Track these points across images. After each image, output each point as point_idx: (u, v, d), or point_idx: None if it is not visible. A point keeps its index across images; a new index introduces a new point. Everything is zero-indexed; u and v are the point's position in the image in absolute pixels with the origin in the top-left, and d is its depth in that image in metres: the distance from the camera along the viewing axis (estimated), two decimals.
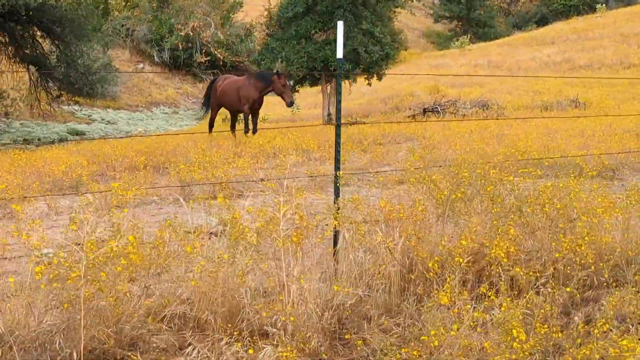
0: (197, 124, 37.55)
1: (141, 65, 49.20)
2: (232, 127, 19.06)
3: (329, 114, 23.99)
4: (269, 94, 17.99)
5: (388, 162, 14.42)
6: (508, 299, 5.24)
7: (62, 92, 28.54)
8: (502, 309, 5.03)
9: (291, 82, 23.66)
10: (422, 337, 4.93)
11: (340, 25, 7.11)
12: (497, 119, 21.52)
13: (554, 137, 16.85)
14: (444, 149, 14.90)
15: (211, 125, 19.35)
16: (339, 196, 6.49)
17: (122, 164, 14.48)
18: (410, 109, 27.32)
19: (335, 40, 23.54)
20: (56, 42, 28.20)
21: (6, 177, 12.67)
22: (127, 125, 37.94)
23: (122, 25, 48.95)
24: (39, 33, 28.23)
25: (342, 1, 23.49)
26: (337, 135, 6.68)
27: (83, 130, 32.96)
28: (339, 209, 6.20)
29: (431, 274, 5.74)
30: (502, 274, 5.74)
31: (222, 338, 5.13)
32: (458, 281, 5.61)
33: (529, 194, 6.91)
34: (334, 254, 6.28)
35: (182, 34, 48.08)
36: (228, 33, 49.24)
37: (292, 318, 5.17)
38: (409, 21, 66.57)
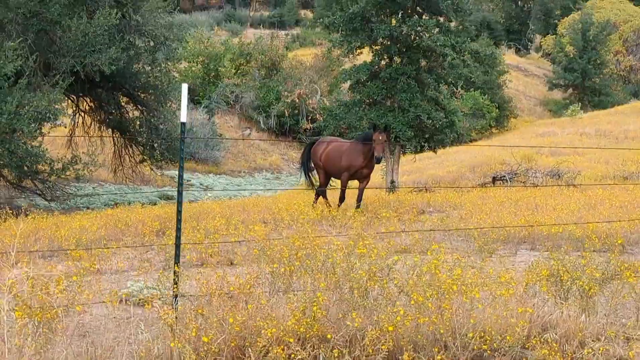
0: (292, 188, 37.68)
1: (248, 131, 50.11)
2: (321, 195, 17.29)
3: (392, 181, 23.46)
4: None
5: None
6: None
7: (145, 157, 29.20)
8: None
9: None
10: None
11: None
12: (548, 187, 20.50)
13: (596, 208, 15.79)
14: (456, 219, 14.19)
15: (323, 193, 17.30)
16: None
17: (136, 229, 14.44)
18: (483, 177, 26.45)
19: (400, 107, 23.28)
20: (140, 107, 29.06)
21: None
22: (222, 190, 38.50)
23: (232, 92, 50.08)
24: (124, 99, 29.21)
25: (405, 68, 23.13)
26: (178, 211, 6.14)
27: (173, 195, 33.55)
28: None
29: None
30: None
31: None
32: None
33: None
34: None
35: (289, 100, 48.77)
36: (334, 100, 49.55)
37: None
38: (526, 89, 65.33)
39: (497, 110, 49.45)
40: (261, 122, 50.03)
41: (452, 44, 22.78)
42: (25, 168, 23.08)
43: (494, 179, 24.63)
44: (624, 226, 13.09)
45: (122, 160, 29.55)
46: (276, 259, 6.13)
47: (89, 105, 29.74)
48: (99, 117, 29.36)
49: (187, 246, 11.24)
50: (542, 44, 79.69)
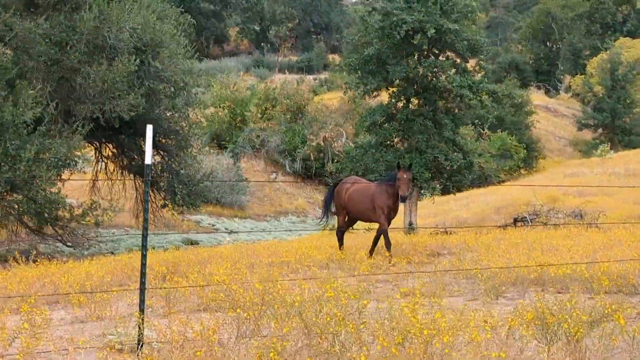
0: (317, 232, 37.50)
1: (274, 175, 50.17)
2: (341, 237, 17.01)
3: (411, 223, 23.21)
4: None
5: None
6: None
7: (167, 202, 29.22)
8: None
9: None
10: None
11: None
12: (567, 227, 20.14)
13: (612, 249, 15.44)
14: (469, 261, 13.94)
15: (341, 237, 17.07)
16: None
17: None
18: (505, 219, 26.08)
19: (417, 149, 23.12)
20: (161, 153, 29.17)
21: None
22: (247, 234, 38.40)
23: (258, 137, 50.26)
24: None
25: (422, 109, 23.01)
26: (143, 255, 6.02)
27: (197, 239, 33.51)
28: None
29: None
30: None
31: None
32: None
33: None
34: None
35: (314, 144, 48.83)
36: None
37: None
38: (556, 129, 64.85)
39: (524, 150, 49.06)
40: (287, 166, 50.08)
41: (469, 84, 22.64)
42: (45, 214, 23.19)
43: (515, 220, 24.28)
44: (637, 266, 12.75)
45: (141, 206, 29.56)
46: (240, 303, 5.97)
47: (111, 151, 29.93)
48: (121, 163, 29.52)
49: (188, 291, 11.10)
50: (571, 84, 79.22)
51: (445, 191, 24.84)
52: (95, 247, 25.81)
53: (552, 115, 67.75)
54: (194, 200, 29.23)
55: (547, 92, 79.88)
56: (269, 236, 37.42)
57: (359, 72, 23.39)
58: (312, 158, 48.95)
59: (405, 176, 15.55)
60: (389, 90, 23.78)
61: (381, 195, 16.22)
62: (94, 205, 24.26)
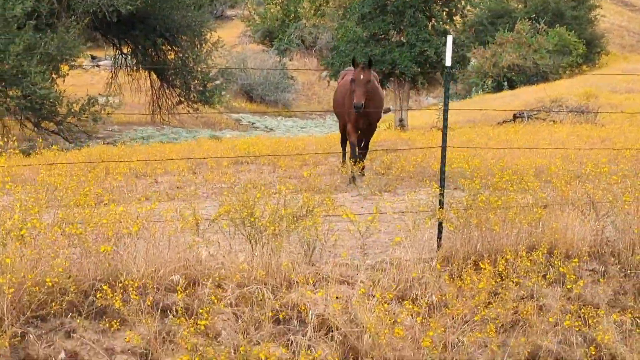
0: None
1: (325, 73, 49.49)
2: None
3: (401, 119, 22.58)
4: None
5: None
6: None
7: (182, 99, 29.23)
8: None
9: None
10: None
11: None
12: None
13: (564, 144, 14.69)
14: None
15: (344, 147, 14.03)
16: None
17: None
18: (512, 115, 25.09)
19: (408, 42, 22.25)
20: (175, 48, 29.05)
21: None
22: (283, 132, 38.22)
23: (310, 34, 49.52)
24: (159, 40, 29.15)
25: (414, 0, 22.05)
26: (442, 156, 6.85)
27: (220, 136, 33.61)
28: None
29: None
30: None
31: None
32: None
33: None
34: None
35: None
36: None
37: None
38: (630, 23, 61.58)
39: (584, 47, 46.73)
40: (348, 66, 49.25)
41: None
42: (45, 111, 23.45)
43: (515, 117, 23.31)
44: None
45: (158, 103, 29.65)
46: None
47: (129, 47, 29.97)
48: (135, 60, 29.55)
49: None
50: None
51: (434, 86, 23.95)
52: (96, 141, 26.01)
53: (627, 9, 64.14)
54: (209, 96, 29.13)
55: None
56: (300, 132, 37.29)
57: None
58: None
59: (362, 77, 12.02)
60: None
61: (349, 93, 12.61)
62: (92, 101, 24.32)
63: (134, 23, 26.59)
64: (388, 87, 24.20)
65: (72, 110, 23.93)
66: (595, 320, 6.78)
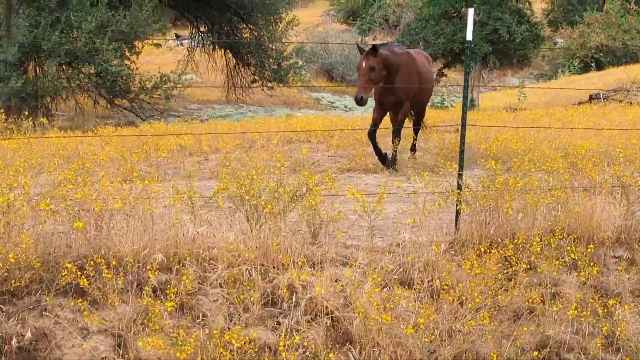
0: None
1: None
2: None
3: (472, 100, 22.02)
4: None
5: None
6: None
7: (256, 77, 29.25)
8: None
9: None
10: None
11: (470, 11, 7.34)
12: None
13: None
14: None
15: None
16: None
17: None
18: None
19: (480, 20, 21.64)
20: (250, 27, 29.06)
21: None
22: (362, 112, 37.87)
23: (394, 12, 48.91)
24: (234, 18, 29.19)
25: None
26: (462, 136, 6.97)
27: (295, 115, 33.52)
28: None
29: None
30: None
31: None
32: None
33: None
34: None
35: None
36: None
37: None
38: None
39: None
40: (420, 45, 48.59)
41: None
42: (118, 88, 23.75)
43: (590, 98, 22.49)
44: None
45: (233, 82, 29.70)
46: None
47: (207, 26, 30.14)
48: (211, 38, 29.68)
49: None
50: None
51: (508, 65, 23.22)
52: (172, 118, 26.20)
53: None
54: (284, 75, 29.06)
55: None
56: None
57: None
58: None
59: (363, 64, 10.83)
60: None
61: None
62: (164, 79, 24.50)
63: (210, 0, 26.65)
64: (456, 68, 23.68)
65: (145, 87, 24.19)
66: (611, 310, 6.37)
